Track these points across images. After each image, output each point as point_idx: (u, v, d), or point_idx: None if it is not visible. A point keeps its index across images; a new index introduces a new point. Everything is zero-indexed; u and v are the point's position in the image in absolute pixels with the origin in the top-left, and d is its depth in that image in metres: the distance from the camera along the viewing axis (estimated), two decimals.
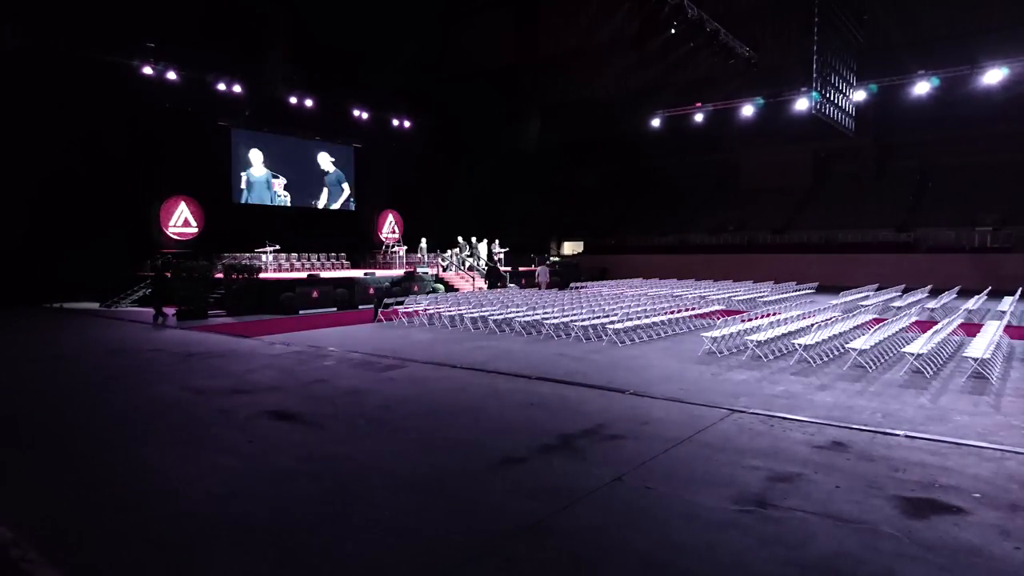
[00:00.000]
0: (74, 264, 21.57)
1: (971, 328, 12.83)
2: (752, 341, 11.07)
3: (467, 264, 27.16)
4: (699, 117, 28.65)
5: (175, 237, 25.01)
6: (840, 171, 34.49)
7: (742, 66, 26.08)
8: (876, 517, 4.55)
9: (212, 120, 26.07)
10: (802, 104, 24.15)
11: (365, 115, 30.55)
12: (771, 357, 10.78)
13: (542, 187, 42.96)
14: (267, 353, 11.81)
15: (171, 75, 23.74)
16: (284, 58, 26.72)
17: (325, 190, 30.84)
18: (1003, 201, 27.56)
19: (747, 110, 26.84)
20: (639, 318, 13.92)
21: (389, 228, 34.07)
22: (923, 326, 12.57)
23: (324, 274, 22.96)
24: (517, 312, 14.88)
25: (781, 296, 20.66)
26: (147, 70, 23.08)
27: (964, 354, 9.40)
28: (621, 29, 29.63)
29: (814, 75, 19.69)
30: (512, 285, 26.29)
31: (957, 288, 20.30)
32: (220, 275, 19.22)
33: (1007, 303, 14.75)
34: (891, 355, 10.73)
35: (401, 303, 16.98)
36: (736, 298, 19.82)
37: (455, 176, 35.69)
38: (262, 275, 19.85)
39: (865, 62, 24.22)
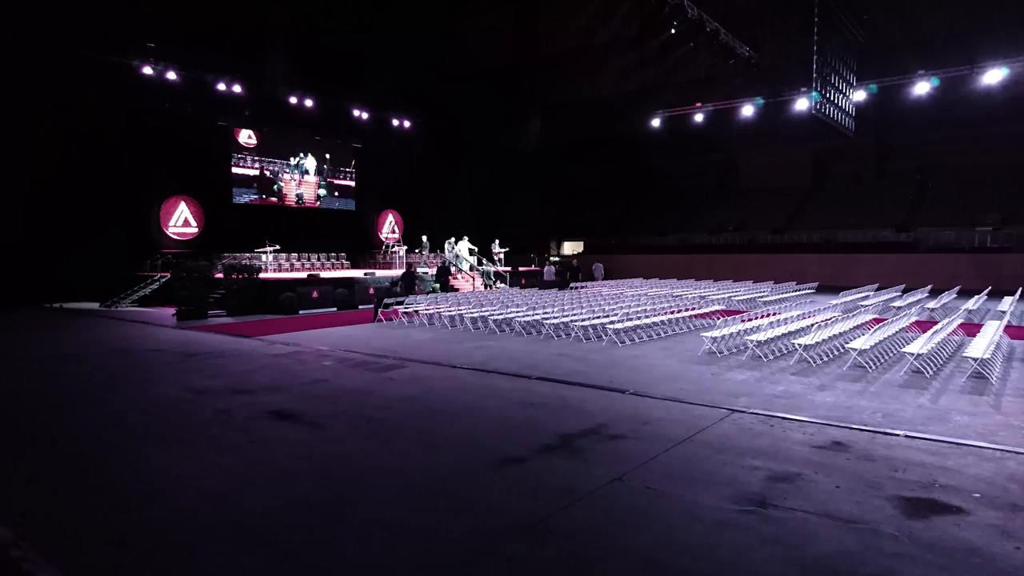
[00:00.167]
0: (74, 264, 21.57)
1: (971, 328, 12.84)
2: (752, 341, 11.08)
3: (467, 265, 27.19)
4: (699, 117, 28.67)
5: (175, 237, 25.01)
6: (840, 171, 34.51)
7: (742, 66, 26.11)
8: (876, 517, 4.55)
9: (212, 120, 26.06)
10: (802, 104, 24.17)
11: (365, 115, 30.54)
12: (771, 357, 10.79)
13: (542, 187, 42.96)
14: (267, 353, 11.82)
15: (171, 75, 23.73)
16: (284, 58, 26.71)
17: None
18: (1003, 201, 27.57)
19: (747, 110, 26.86)
20: (639, 318, 13.93)
21: (389, 228, 34.07)
22: (923, 326, 12.58)
23: (324, 274, 22.97)
24: (517, 312, 14.88)
25: (781, 296, 20.66)
26: (147, 70, 23.07)
27: (964, 354, 9.40)
28: (621, 29, 29.67)
29: (814, 75, 19.69)
30: (502, 285, 26.28)
31: (957, 288, 20.30)
32: (220, 275, 19.23)
33: (1007, 303, 14.75)
34: (891, 355, 10.73)
35: (401, 303, 16.98)
36: (736, 298, 19.82)
37: (455, 176, 35.69)
38: (262, 275, 19.85)
39: (865, 62, 24.22)
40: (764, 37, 26.79)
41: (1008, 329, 12.90)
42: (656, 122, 29.59)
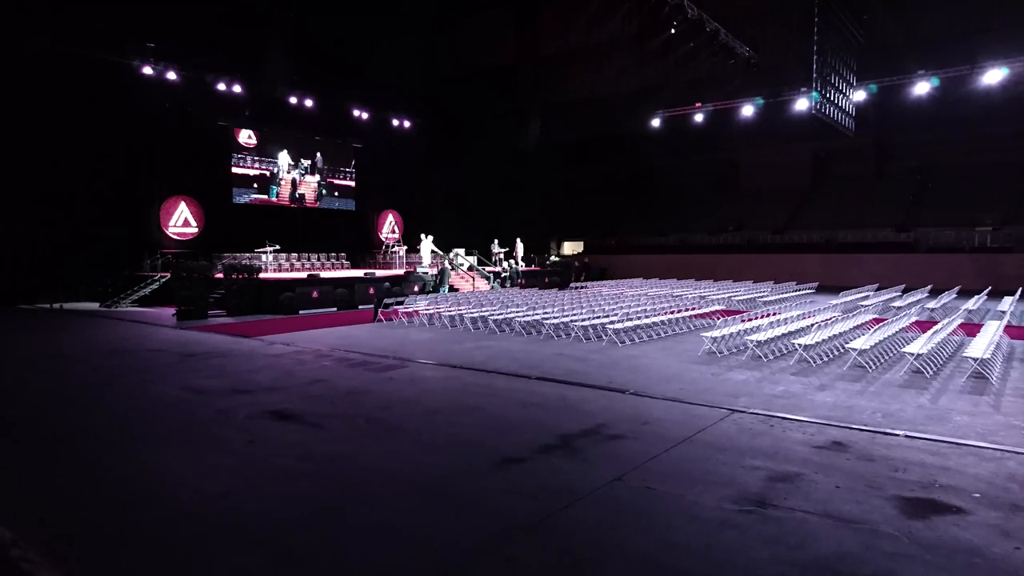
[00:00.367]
0: (74, 264, 21.57)
1: (971, 328, 12.84)
2: (752, 341, 11.08)
3: (467, 265, 27.20)
4: (699, 117, 28.69)
5: (175, 237, 25.01)
6: (840, 171, 34.50)
7: (742, 66, 26.11)
8: (876, 517, 4.55)
9: (212, 120, 26.06)
10: (802, 104, 24.19)
11: (365, 115, 30.54)
12: (771, 357, 10.79)
13: (542, 187, 42.96)
14: (267, 353, 11.81)
15: (171, 75, 23.73)
16: (284, 58, 26.71)
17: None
18: (1003, 201, 27.57)
19: (747, 110, 26.87)
20: (639, 318, 13.93)
21: (389, 228, 34.06)
22: (923, 326, 12.58)
23: (324, 274, 22.95)
24: (517, 312, 14.88)
25: (781, 296, 20.67)
26: (147, 70, 23.06)
27: (964, 354, 9.40)
28: (621, 29, 29.66)
29: (814, 75, 19.70)
30: (494, 286, 26.27)
31: (957, 288, 20.30)
32: (220, 275, 19.23)
33: (1007, 303, 14.75)
34: (891, 355, 10.73)
35: (401, 303, 16.99)
36: (736, 298, 19.82)
37: (455, 176, 35.68)
38: (262, 275, 19.85)
39: (865, 62, 24.24)
40: (764, 37, 26.79)
41: (1008, 329, 12.90)
42: (656, 122, 29.61)
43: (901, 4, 25.90)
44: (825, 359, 10.51)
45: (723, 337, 11.46)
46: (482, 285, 26.28)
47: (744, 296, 20.26)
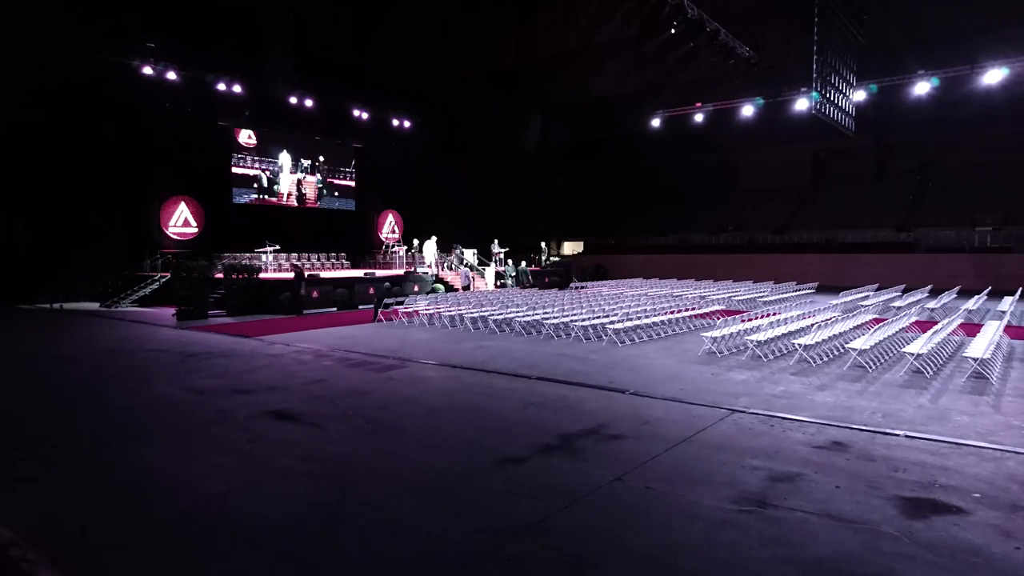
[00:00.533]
0: (74, 264, 21.57)
1: (971, 328, 12.84)
2: (752, 341, 11.07)
3: (467, 263, 27.21)
4: (699, 117, 28.68)
5: (175, 237, 25.01)
6: (840, 171, 34.51)
7: (742, 66, 26.10)
8: (876, 517, 4.55)
9: (212, 120, 26.06)
10: (802, 104, 24.18)
11: (365, 115, 30.54)
12: (771, 357, 10.78)
13: (542, 187, 42.97)
14: (267, 353, 11.81)
15: (171, 75, 23.73)
16: (284, 58, 26.70)
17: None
18: (1003, 201, 27.57)
19: (747, 110, 26.86)
20: (639, 318, 13.92)
21: (389, 228, 34.07)
22: (923, 326, 12.58)
23: (324, 274, 22.96)
24: (517, 312, 14.88)
25: (781, 296, 20.66)
26: (147, 70, 23.07)
27: (964, 354, 9.40)
28: (621, 29, 29.66)
29: (814, 75, 19.69)
30: (503, 284, 26.28)
31: (957, 288, 20.30)
32: (220, 275, 19.23)
33: (1007, 303, 14.75)
34: (891, 355, 10.73)
35: (401, 303, 16.99)
36: (736, 298, 19.82)
37: (455, 176, 35.68)
38: (262, 275, 19.85)
39: (865, 62, 24.23)
40: (764, 37, 26.79)
41: (1008, 329, 12.89)
42: (656, 122, 29.59)
43: (901, 4, 25.89)
44: (825, 359, 10.51)
45: (723, 337, 11.46)
46: (482, 285, 26.27)
47: (744, 296, 20.26)
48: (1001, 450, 5.99)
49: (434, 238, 25.94)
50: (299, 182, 29.68)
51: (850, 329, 12.35)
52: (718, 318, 13.90)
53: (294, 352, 11.92)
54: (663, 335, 13.63)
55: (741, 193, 37.06)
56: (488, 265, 27.90)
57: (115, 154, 22.97)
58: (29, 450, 6.39)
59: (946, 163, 31.20)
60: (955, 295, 18.81)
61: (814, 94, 20.37)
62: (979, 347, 9.23)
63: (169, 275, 20.62)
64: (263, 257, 23.68)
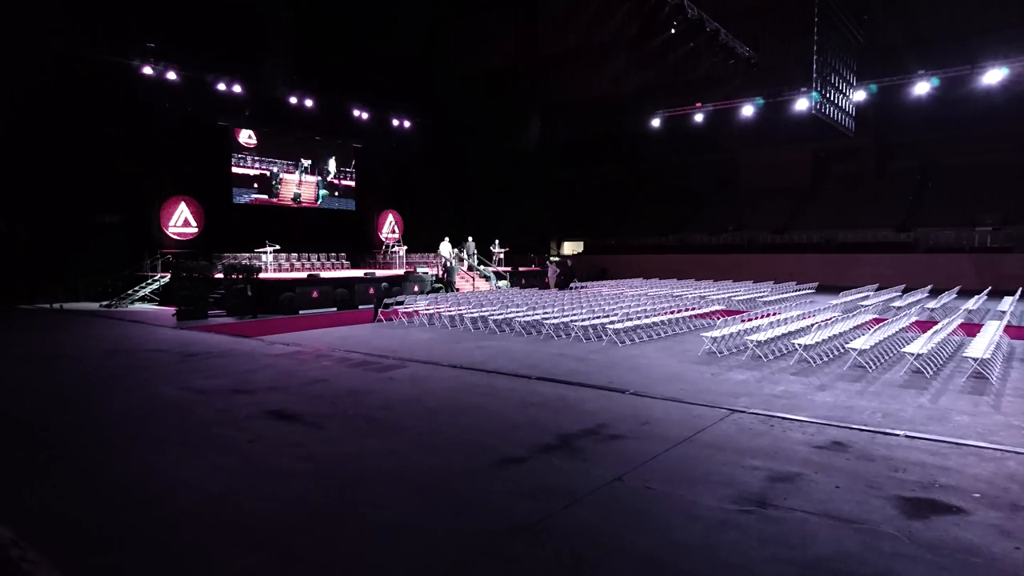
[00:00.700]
0: (74, 264, 21.57)
1: (971, 328, 12.84)
2: (752, 341, 11.08)
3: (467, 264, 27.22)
4: (699, 117, 28.67)
5: (175, 237, 25.00)
6: (840, 171, 34.51)
7: (742, 66, 26.08)
8: (876, 517, 4.55)
9: (212, 120, 26.06)
10: (802, 104, 24.17)
11: (365, 115, 30.52)
12: (771, 357, 10.79)
13: (542, 187, 42.96)
14: (267, 353, 11.81)
15: (171, 75, 23.71)
16: (284, 58, 26.69)
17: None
18: (1003, 201, 27.58)
19: (747, 110, 26.85)
20: (639, 318, 13.93)
21: (389, 228, 34.06)
22: (923, 326, 12.58)
23: (324, 274, 22.95)
24: (517, 312, 14.88)
25: (781, 296, 20.66)
26: (147, 70, 23.05)
27: (964, 354, 9.40)
28: (621, 29, 29.65)
29: (814, 75, 19.69)
30: (503, 283, 26.30)
31: (957, 288, 20.30)
32: (220, 275, 19.22)
33: (1007, 303, 14.75)
34: (891, 355, 10.73)
35: (401, 303, 16.99)
36: (736, 298, 19.82)
37: (455, 176, 35.69)
38: (262, 275, 19.84)
39: (865, 62, 24.23)
40: (764, 37, 26.79)
41: (1008, 329, 12.89)
42: (656, 122, 29.58)
43: (901, 4, 25.90)
44: (825, 359, 10.51)
45: (723, 337, 11.46)
46: (482, 285, 26.28)
47: (744, 296, 20.26)
48: (1001, 450, 5.99)
49: (447, 239, 26.01)
50: (300, 183, 29.67)
51: (850, 329, 12.35)
52: (718, 318, 13.90)
53: (294, 352, 11.93)
54: (663, 335, 13.63)
55: (741, 193, 37.05)
56: (488, 264, 27.92)
57: (115, 154, 22.97)
58: (29, 450, 6.39)
59: (946, 163, 31.20)
60: (955, 295, 18.81)
61: (814, 94, 20.37)
62: (979, 347, 9.23)
63: (169, 275, 20.61)
64: (263, 257, 23.68)
